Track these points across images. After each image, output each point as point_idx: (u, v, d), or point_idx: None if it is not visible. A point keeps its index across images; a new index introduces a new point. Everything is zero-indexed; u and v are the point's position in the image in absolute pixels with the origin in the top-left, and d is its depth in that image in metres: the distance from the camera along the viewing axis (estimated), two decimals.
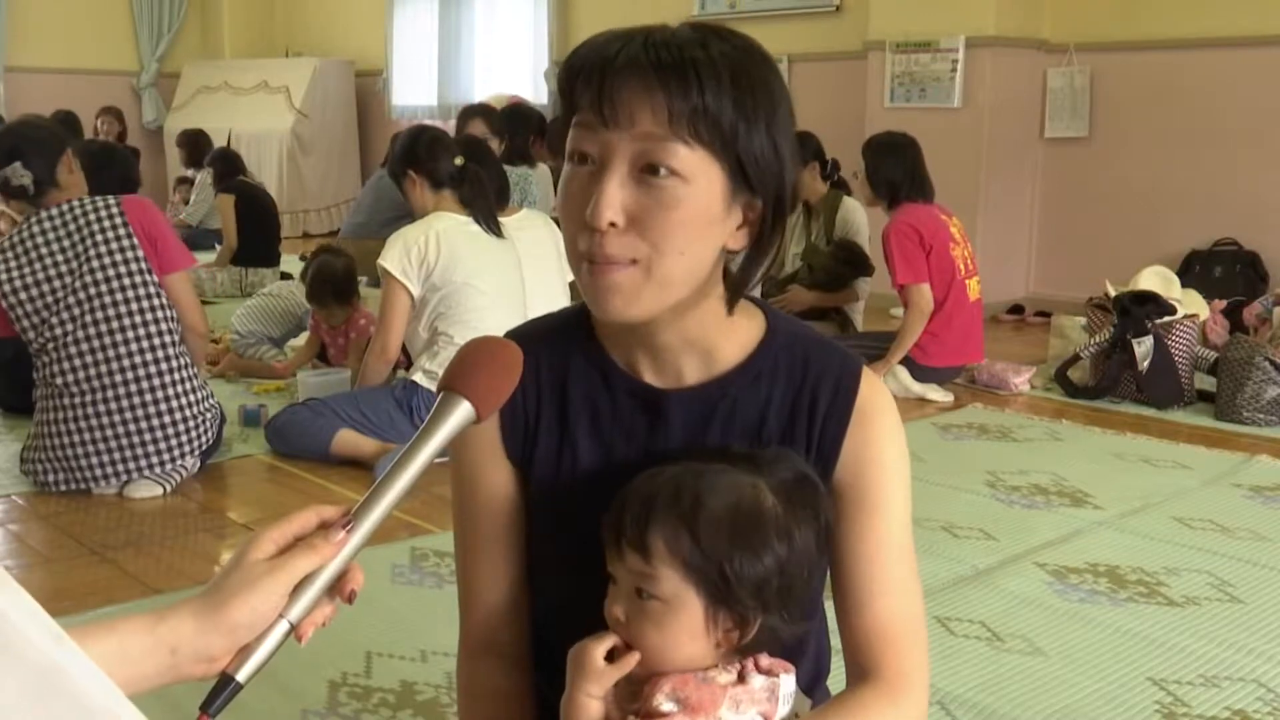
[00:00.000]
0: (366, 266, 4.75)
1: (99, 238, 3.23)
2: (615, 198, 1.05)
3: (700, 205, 1.06)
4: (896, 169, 4.62)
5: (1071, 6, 6.34)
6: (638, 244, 1.06)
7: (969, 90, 6.27)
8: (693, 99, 1.03)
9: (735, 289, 1.16)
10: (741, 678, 1.10)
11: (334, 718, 2.04)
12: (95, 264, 3.21)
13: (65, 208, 3.28)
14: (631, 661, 1.09)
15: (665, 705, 1.07)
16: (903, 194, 4.60)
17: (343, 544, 0.96)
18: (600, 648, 1.10)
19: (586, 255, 1.08)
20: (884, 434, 1.18)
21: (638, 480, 1.13)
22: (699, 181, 1.05)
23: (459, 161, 3.76)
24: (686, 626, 1.09)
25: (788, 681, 1.12)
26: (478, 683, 1.27)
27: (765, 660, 1.12)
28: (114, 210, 3.28)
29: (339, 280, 4.41)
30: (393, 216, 5.80)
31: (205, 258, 6.79)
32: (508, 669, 1.26)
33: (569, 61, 1.09)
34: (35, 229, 3.27)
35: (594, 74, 1.05)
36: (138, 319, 3.24)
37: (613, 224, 1.05)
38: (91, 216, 3.26)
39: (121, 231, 3.25)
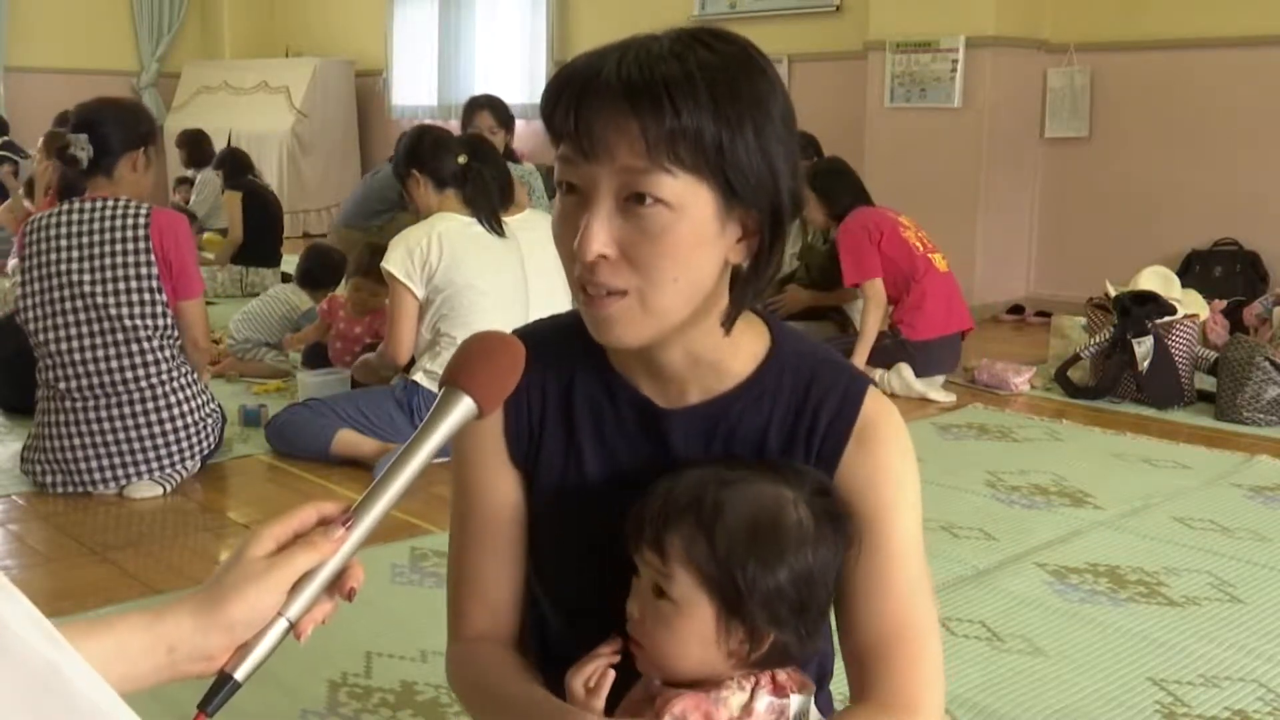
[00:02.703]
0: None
1: (118, 246, 3.21)
2: (602, 231, 1.03)
3: (690, 230, 1.04)
4: (847, 191, 4.80)
5: (1071, 6, 6.34)
6: (629, 275, 1.05)
7: (969, 90, 6.27)
8: (667, 122, 1.00)
9: (735, 305, 1.13)
10: (751, 700, 1.09)
11: (334, 718, 2.04)
12: (108, 272, 3.19)
13: (100, 204, 3.25)
14: (606, 684, 1.09)
15: None
16: (850, 207, 4.77)
17: (342, 541, 0.96)
18: (578, 679, 1.10)
19: (580, 284, 1.07)
20: (886, 452, 1.16)
21: (664, 478, 1.12)
22: (687, 207, 1.03)
23: (462, 160, 3.76)
24: (697, 632, 1.08)
25: (798, 702, 1.11)
26: (482, 655, 1.23)
27: (782, 676, 1.11)
28: (141, 220, 3.24)
29: (350, 257, 4.33)
30: (378, 210, 6.16)
31: (206, 257, 6.81)
32: (510, 650, 1.24)
33: (547, 89, 1.07)
34: (64, 219, 3.25)
35: (570, 105, 1.04)
36: (141, 332, 3.22)
37: (603, 256, 1.04)
38: (119, 221, 3.23)
39: (143, 245, 3.22)
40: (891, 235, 4.66)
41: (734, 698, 1.08)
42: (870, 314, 4.61)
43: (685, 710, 1.07)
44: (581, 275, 1.06)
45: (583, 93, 1.03)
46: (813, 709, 1.14)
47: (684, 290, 1.06)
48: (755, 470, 1.11)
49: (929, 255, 4.70)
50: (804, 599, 1.07)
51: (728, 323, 1.14)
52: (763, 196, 1.06)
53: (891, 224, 4.70)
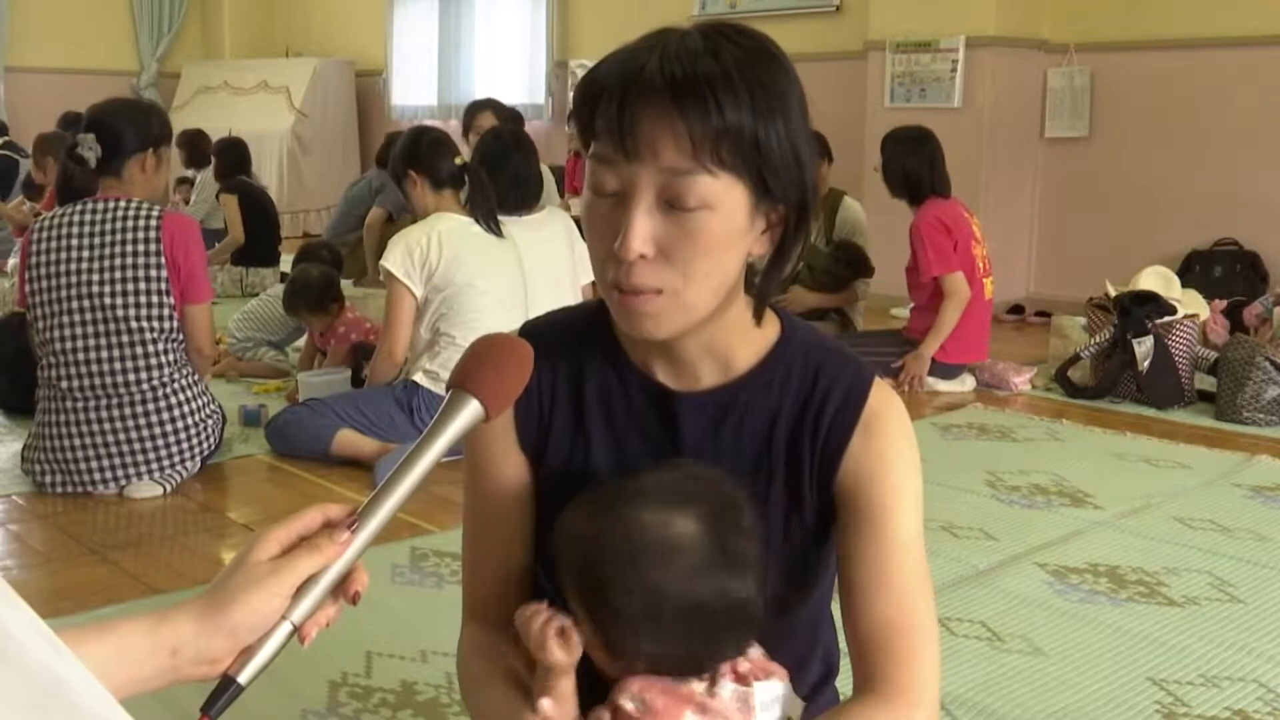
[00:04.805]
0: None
1: (128, 247, 3.20)
2: (643, 230, 1.05)
3: (725, 227, 1.06)
4: (915, 163, 4.64)
5: (1071, 6, 6.34)
6: (666, 273, 1.06)
7: (969, 90, 6.27)
8: (713, 122, 1.02)
9: (761, 297, 1.16)
10: (713, 685, 1.09)
11: (334, 718, 2.04)
12: (117, 273, 3.19)
13: (112, 204, 3.25)
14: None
15: (627, 704, 1.08)
16: (925, 189, 4.63)
17: (347, 544, 0.96)
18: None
19: (615, 284, 1.08)
20: (890, 443, 1.17)
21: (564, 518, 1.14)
22: (725, 206, 1.05)
23: (459, 161, 3.78)
24: (593, 651, 1.11)
25: (765, 689, 1.11)
26: (486, 642, 1.25)
27: (744, 665, 1.11)
28: (152, 222, 3.23)
29: (312, 290, 4.39)
30: (353, 226, 6.43)
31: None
32: (502, 642, 1.25)
33: (584, 86, 1.08)
34: (75, 218, 3.24)
35: (612, 102, 1.04)
36: (147, 334, 3.22)
37: (642, 256, 1.05)
38: (130, 223, 3.22)
39: (153, 247, 3.21)
40: (964, 246, 4.58)
41: (695, 683, 1.09)
42: (952, 309, 4.53)
43: (644, 687, 1.08)
44: (617, 275, 1.07)
45: (627, 91, 1.04)
46: (792, 694, 1.14)
47: (714, 285, 1.09)
48: (653, 494, 1.11)
49: (984, 279, 4.66)
50: (658, 613, 1.06)
51: (758, 316, 1.17)
52: (791, 189, 1.08)
53: (967, 233, 4.61)
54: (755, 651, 1.14)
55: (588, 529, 1.09)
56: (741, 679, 1.10)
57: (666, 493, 1.10)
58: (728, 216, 1.06)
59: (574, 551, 1.10)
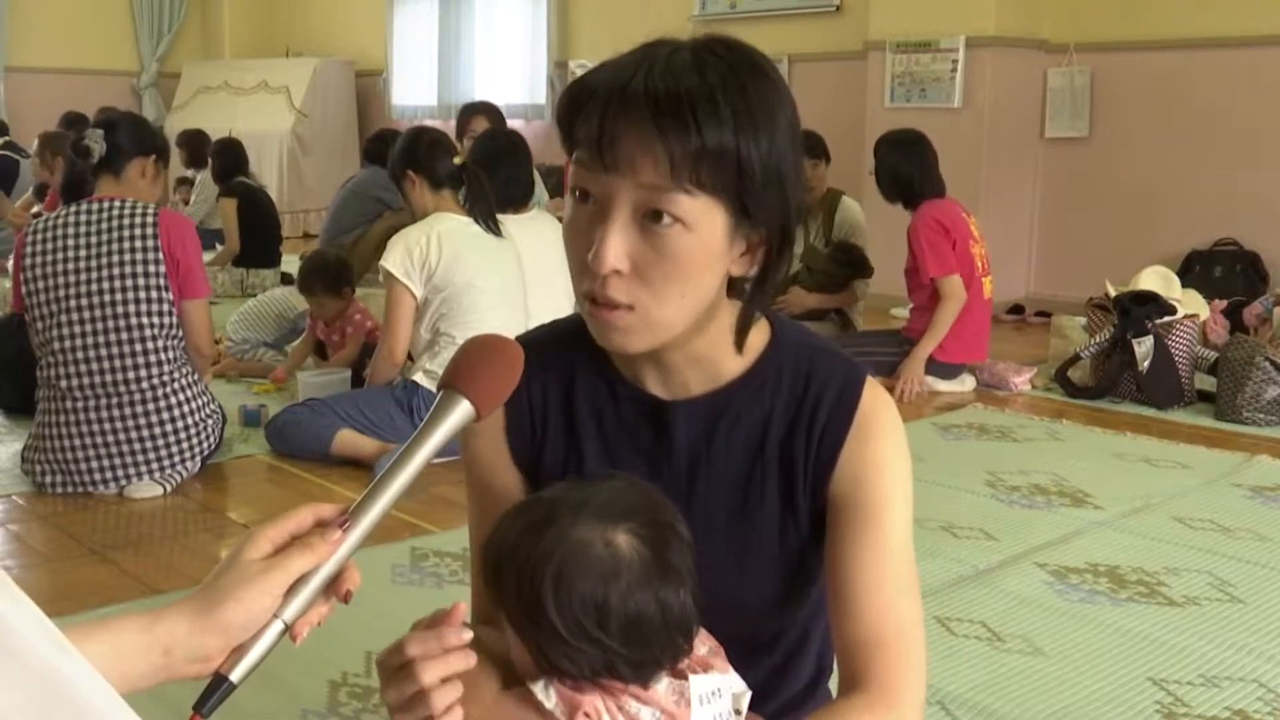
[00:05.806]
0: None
1: (125, 244, 3.21)
2: (617, 245, 1.04)
3: (702, 249, 1.06)
4: (907, 166, 4.63)
5: (1071, 6, 6.34)
6: (638, 290, 1.06)
7: (969, 90, 6.27)
8: (692, 141, 1.01)
9: (744, 322, 1.16)
10: (646, 682, 1.08)
11: (334, 718, 2.04)
12: (116, 270, 3.19)
13: (106, 204, 3.25)
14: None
15: (540, 692, 1.07)
16: (919, 191, 4.62)
17: (339, 543, 0.96)
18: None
19: (589, 296, 1.09)
20: (884, 445, 1.17)
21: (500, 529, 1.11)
22: (701, 226, 1.05)
23: (458, 161, 3.78)
24: (517, 658, 1.09)
25: (702, 682, 1.09)
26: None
27: (684, 661, 1.10)
28: (148, 220, 3.24)
29: (330, 270, 4.42)
30: (347, 228, 6.31)
31: (206, 257, 6.78)
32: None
33: (568, 95, 1.08)
34: (70, 219, 3.25)
35: (593, 114, 1.04)
36: (147, 330, 3.22)
37: (616, 271, 1.05)
38: (126, 221, 3.23)
39: (151, 244, 3.22)
40: (963, 246, 4.58)
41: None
42: (948, 311, 4.52)
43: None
44: (591, 288, 1.07)
45: (608, 104, 1.03)
46: (739, 682, 1.13)
47: (687, 305, 1.09)
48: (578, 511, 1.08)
49: (983, 279, 4.66)
50: (601, 625, 1.05)
51: (739, 341, 1.16)
52: (772, 212, 1.08)
53: (965, 232, 4.61)
54: (701, 650, 1.13)
55: (523, 547, 1.07)
56: (678, 673, 1.10)
57: (602, 507, 1.08)
58: (704, 237, 1.05)
59: (510, 569, 1.07)
